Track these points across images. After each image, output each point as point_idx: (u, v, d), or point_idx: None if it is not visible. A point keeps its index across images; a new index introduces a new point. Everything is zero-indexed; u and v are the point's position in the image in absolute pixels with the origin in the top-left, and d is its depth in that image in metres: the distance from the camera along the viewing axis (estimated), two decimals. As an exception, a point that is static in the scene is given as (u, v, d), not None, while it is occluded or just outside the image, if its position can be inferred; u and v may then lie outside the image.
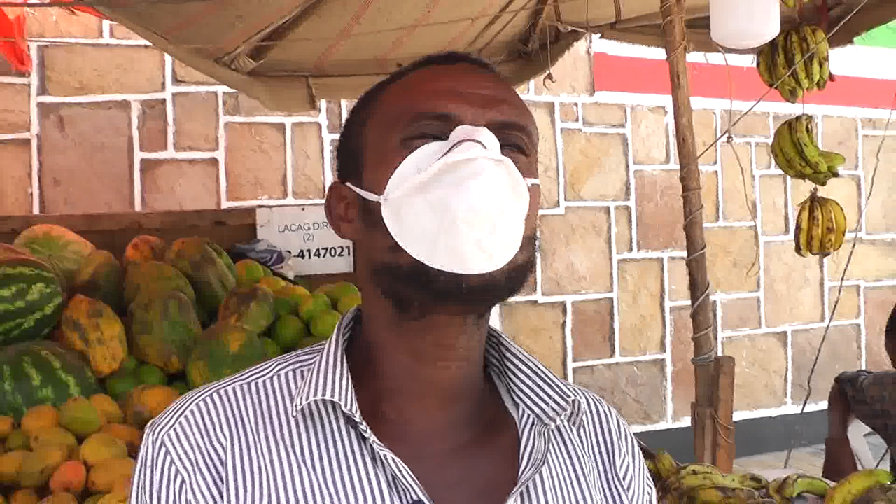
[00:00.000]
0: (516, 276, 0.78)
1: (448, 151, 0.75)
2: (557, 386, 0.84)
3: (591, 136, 5.17)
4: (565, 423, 0.87)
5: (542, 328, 5.03)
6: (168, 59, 4.19)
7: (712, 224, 5.33)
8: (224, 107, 4.34)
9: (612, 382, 5.18)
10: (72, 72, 4.07)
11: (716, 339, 5.24)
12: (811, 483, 1.78)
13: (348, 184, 0.82)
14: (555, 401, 0.83)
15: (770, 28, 2.08)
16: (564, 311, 5.08)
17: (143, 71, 4.18)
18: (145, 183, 4.18)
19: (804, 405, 2.72)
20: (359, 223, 0.81)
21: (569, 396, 0.83)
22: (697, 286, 2.23)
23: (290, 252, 3.32)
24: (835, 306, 5.22)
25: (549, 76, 3.11)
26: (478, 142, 0.74)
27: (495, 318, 4.43)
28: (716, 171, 5.36)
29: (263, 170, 4.43)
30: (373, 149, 0.81)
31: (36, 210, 3.96)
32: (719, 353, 2.25)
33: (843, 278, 2.91)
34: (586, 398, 0.92)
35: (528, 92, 4.84)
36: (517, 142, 0.80)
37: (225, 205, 4.29)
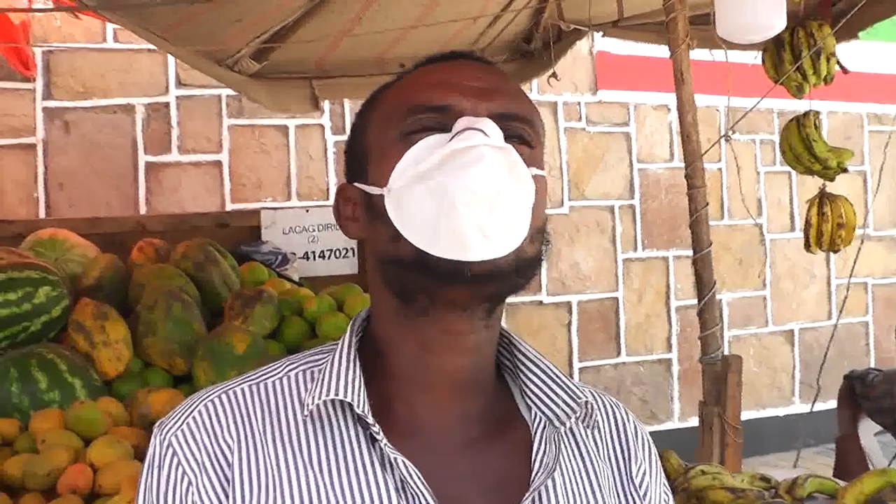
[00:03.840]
0: (523, 267, 0.77)
1: (450, 141, 0.75)
2: (568, 387, 0.83)
3: (594, 135, 5.16)
4: (580, 426, 0.86)
5: (547, 328, 5.02)
6: (171, 62, 4.19)
7: (717, 222, 5.31)
8: (227, 109, 4.35)
9: (618, 382, 5.17)
10: (76, 76, 4.08)
11: (722, 337, 5.24)
12: (822, 483, 1.77)
13: (355, 184, 0.83)
14: (565, 402, 0.82)
15: (777, 21, 2.06)
16: (570, 311, 5.06)
17: (146, 74, 4.19)
18: (149, 185, 4.19)
19: (813, 404, 2.70)
20: (364, 219, 0.81)
21: (580, 398, 0.82)
22: (703, 284, 2.22)
23: (294, 254, 3.31)
24: (843, 304, 5.20)
25: (554, 74, 3.10)
26: (479, 130, 0.74)
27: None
28: (720, 169, 5.34)
29: (267, 172, 4.43)
30: (376, 145, 0.81)
31: (42, 214, 3.97)
32: (726, 352, 2.24)
33: (850, 275, 2.89)
34: (603, 401, 0.90)
35: (531, 91, 4.83)
36: (520, 133, 0.79)
37: (229, 207, 4.30)
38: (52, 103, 4.03)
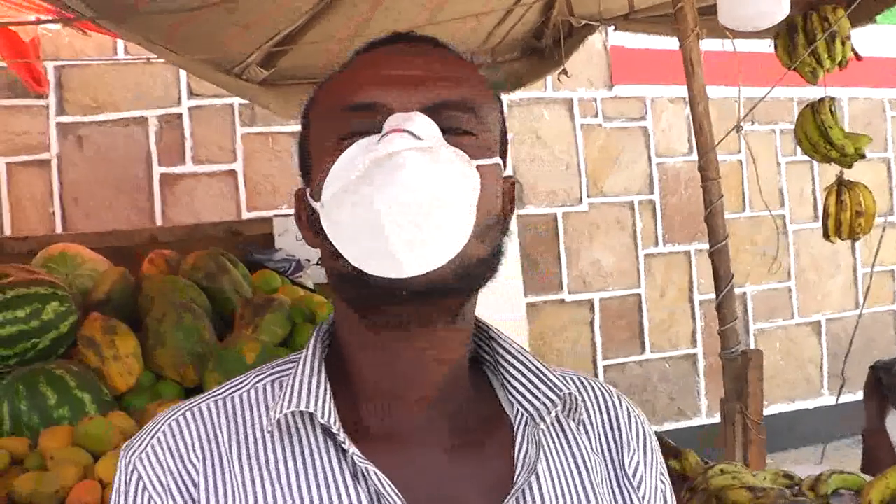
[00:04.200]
0: (470, 272, 0.71)
1: (377, 145, 0.70)
2: (549, 379, 0.78)
3: (611, 131, 5.10)
4: (566, 418, 0.81)
5: (570, 327, 4.96)
6: (183, 72, 4.20)
7: (739, 214, 5.23)
8: (240, 117, 4.35)
9: (643, 379, 5.10)
10: (88, 91, 4.10)
11: (747, 331, 5.15)
12: (846, 479, 1.71)
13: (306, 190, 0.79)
14: (545, 395, 0.77)
15: (780, 8, 2.01)
16: (592, 309, 5.01)
17: (158, 86, 4.20)
18: (165, 197, 4.20)
19: (838, 396, 2.63)
20: (314, 230, 0.77)
21: (561, 390, 0.77)
22: (721, 278, 2.17)
23: (308, 261, 3.29)
24: (866, 292, 5.09)
25: (564, 72, 3.06)
26: (406, 131, 0.69)
27: (522, 319, 4.37)
28: (740, 161, 5.25)
29: (282, 178, 4.43)
30: (314, 150, 0.77)
31: (59, 228, 3.99)
32: (752, 346, 2.19)
33: (874, 264, 2.82)
34: (593, 388, 0.85)
35: (546, 89, 4.79)
36: (458, 123, 0.73)
37: (245, 215, 4.30)
38: (65, 118, 4.05)
